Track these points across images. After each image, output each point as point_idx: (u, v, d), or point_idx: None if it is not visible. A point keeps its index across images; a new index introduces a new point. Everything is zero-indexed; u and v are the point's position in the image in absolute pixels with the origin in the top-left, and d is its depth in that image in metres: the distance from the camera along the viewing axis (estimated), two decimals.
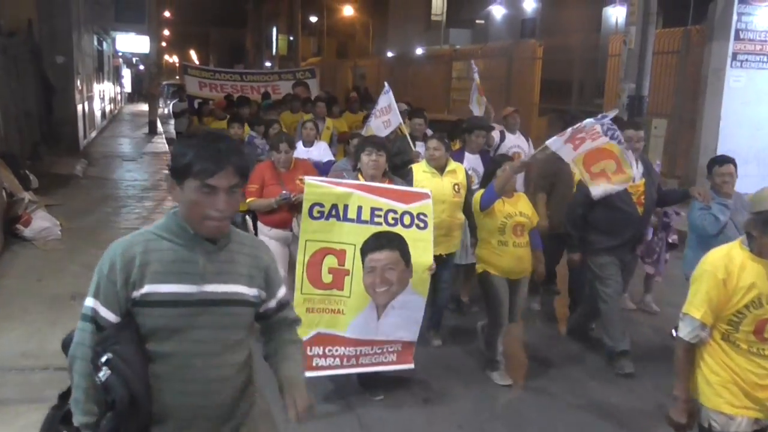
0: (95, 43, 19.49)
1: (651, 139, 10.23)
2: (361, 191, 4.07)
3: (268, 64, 42.37)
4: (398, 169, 5.41)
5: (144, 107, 26.23)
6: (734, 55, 10.38)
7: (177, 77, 41.97)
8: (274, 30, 46.01)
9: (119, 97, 31.84)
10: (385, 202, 4.08)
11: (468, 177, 5.33)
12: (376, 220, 4.04)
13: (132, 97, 38.87)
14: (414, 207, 4.13)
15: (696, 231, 4.79)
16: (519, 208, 4.69)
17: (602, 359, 5.18)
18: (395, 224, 4.07)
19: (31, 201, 7.97)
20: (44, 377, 4.29)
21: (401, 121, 6.76)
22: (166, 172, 11.47)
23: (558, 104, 16.03)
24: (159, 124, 21.69)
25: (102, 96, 21.76)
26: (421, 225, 4.11)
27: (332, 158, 7.12)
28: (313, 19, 41.75)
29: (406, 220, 4.09)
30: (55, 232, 7.75)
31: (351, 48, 40.42)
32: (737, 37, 10.32)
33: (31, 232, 7.53)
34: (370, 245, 4.02)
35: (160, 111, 24.31)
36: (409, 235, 4.08)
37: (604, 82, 14.15)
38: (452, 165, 5.18)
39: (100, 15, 18.54)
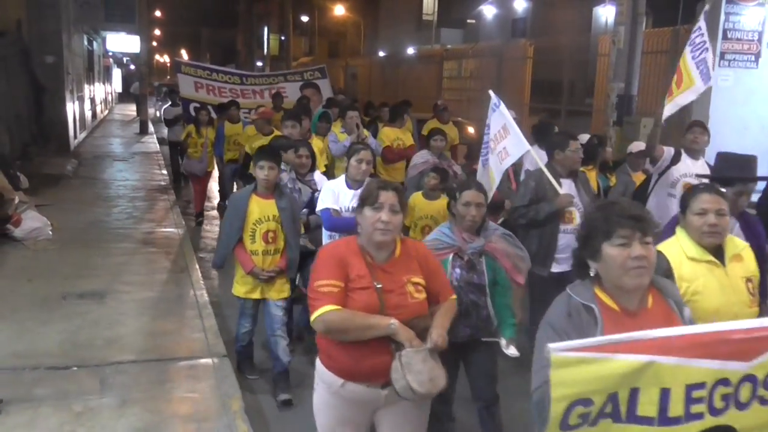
0: (85, 42, 19.44)
1: (640, 138, 10.27)
2: (667, 357, 1.85)
3: (259, 63, 42.24)
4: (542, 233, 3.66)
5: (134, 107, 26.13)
6: (722, 55, 10.43)
7: (168, 77, 41.83)
8: (266, 30, 45.92)
9: (110, 96, 31.75)
10: (711, 368, 1.91)
11: None
12: (694, 409, 1.91)
13: (123, 97, 38.77)
14: (761, 363, 1.95)
15: None
16: None
17: None
18: (725, 408, 1.96)
19: (21, 201, 7.95)
20: (35, 376, 4.30)
21: (528, 147, 4.24)
22: (158, 171, 11.22)
23: (548, 104, 16.11)
24: (150, 125, 21.65)
25: (92, 96, 21.68)
26: None
27: None
28: (305, 18, 41.77)
29: (744, 393, 1.97)
30: (46, 232, 7.74)
31: (342, 48, 40.41)
32: (725, 37, 10.37)
33: (21, 233, 7.52)
34: None
35: (151, 112, 24.19)
36: (746, 421, 1.99)
37: (594, 82, 14.22)
38: (736, 243, 2.85)
39: (90, 15, 18.48)
